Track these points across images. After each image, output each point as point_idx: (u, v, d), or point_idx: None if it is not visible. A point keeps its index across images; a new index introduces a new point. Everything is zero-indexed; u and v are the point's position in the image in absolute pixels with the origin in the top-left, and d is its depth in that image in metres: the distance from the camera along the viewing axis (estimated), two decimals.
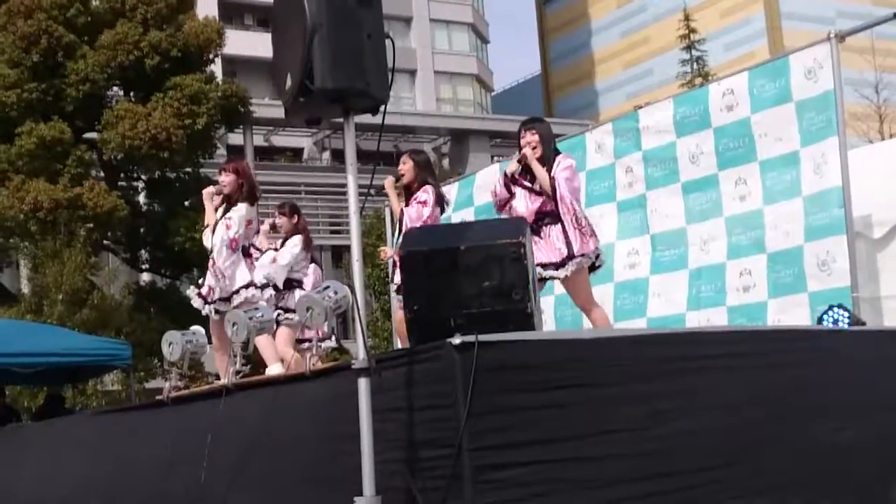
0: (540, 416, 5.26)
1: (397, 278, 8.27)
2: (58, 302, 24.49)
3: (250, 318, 7.18)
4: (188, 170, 29.16)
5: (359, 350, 5.38)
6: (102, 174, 29.29)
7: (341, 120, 5.49)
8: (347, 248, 9.00)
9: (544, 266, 8.11)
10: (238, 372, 7.17)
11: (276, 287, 9.55)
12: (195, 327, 8.55)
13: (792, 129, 9.30)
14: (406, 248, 5.81)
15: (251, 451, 6.48)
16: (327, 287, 6.40)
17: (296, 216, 10.44)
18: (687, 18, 44.46)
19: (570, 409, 5.32)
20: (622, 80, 59.47)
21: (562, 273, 8.16)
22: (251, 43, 45.59)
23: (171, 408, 7.80)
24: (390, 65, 5.44)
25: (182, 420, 7.56)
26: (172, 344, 7.96)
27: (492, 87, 63.59)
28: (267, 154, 47.74)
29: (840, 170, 8.74)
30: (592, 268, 8.35)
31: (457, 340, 5.13)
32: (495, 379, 5.14)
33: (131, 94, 29.28)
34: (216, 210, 8.99)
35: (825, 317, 8.00)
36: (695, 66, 44.36)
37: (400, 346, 8.71)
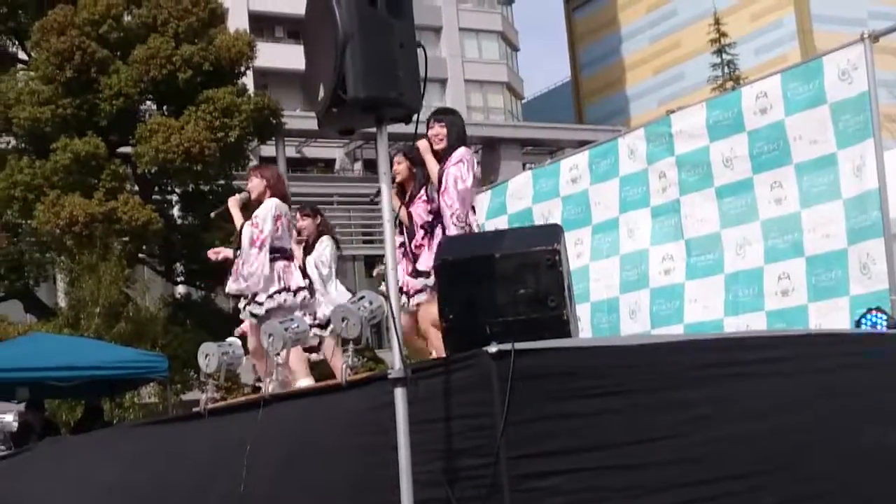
0: (578, 424, 5.23)
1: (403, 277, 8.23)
2: (94, 315, 24.63)
3: (286, 329, 7.17)
4: (221, 182, 29.32)
5: (395, 360, 5.36)
6: (137, 188, 29.47)
7: (373, 130, 5.49)
8: (379, 257, 8.92)
9: (419, 273, 7.95)
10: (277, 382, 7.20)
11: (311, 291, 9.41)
12: (231, 339, 8.57)
13: (827, 131, 9.21)
14: (441, 256, 5.80)
15: (290, 462, 6.47)
16: (362, 297, 6.39)
17: (318, 216, 10.23)
18: (717, 22, 44.30)
19: (608, 417, 5.28)
20: (653, 86, 59.28)
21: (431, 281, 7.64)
22: (282, 55, 45.80)
23: (208, 419, 7.81)
24: (422, 74, 5.44)
25: (219, 431, 7.57)
26: (209, 356, 7.97)
27: (522, 95, 63.56)
28: (299, 165, 47.93)
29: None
30: None
31: (493, 349, 5.12)
32: (532, 387, 5.12)
33: (164, 107, 29.46)
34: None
35: (864, 320, 7.92)
36: (726, 69, 44.12)
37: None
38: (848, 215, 9.03)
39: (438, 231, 7.89)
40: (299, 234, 10.20)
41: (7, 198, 27.38)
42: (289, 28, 50.64)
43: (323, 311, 9.14)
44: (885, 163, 8.71)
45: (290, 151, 45.54)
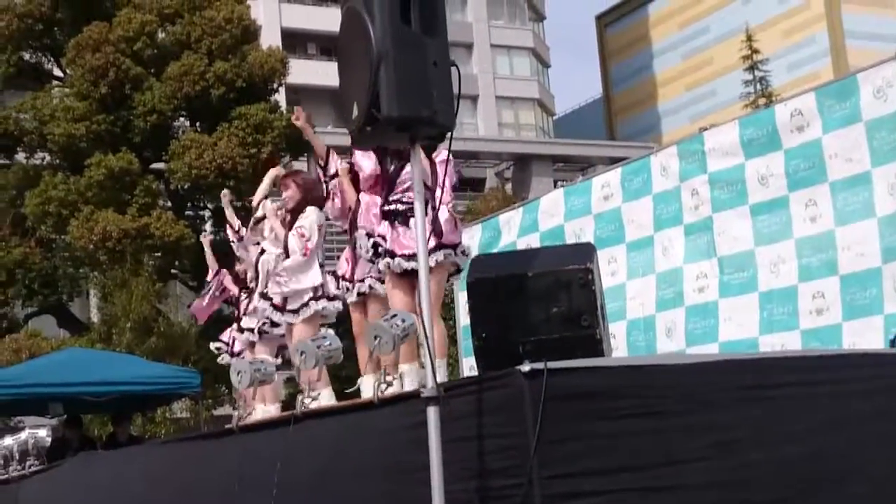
0: (610, 445, 5.19)
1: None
2: (126, 330, 24.78)
3: (318, 347, 7.16)
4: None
5: (427, 378, 5.35)
6: (170, 203, 29.68)
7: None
8: None
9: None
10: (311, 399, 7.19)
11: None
12: (263, 356, 8.59)
13: (862, 149, 9.17)
14: (474, 274, 5.79)
15: (321, 480, 6.46)
16: (395, 315, 6.37)
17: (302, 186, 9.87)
18: (749, 39, 44.06)
19: (640, 438, 5.23)
20: (685, 102, 59.09)
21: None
22: (314, 71, 46.03)
23: (240, 435, 7.82)
24: (455, 92, 5.44)
25: (250, 448, 7.57)
26: (241, 372, 7.98)
27: (553, 111, 63.56)
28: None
29: None
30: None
31: (526, 367, 5.08)
32: (565, 406, 5.08)
33: (197, 124, 29.69)
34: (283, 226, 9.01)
35: None
36: (758, 86, 43.91)
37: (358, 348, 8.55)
38: (882, 234, 8.96)
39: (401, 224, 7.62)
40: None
41: (41, 213, 27.64)
42: (321, 45, 50.88)
43: (292, 286, 8.83)
44: None
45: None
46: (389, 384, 6.48)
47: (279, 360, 9.37)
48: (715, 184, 10.46)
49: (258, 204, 9.55)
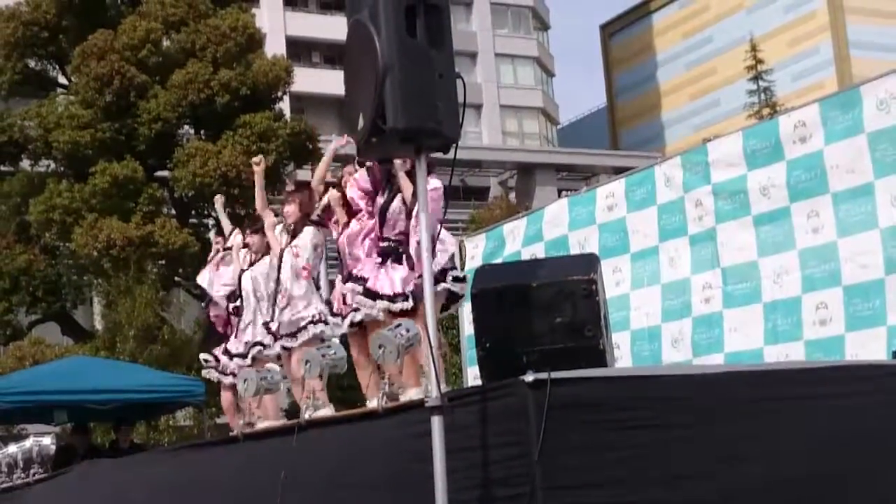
0: (613, 455, 5.21)
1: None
2: (130, 338, 24.80)
3: (323, 356, 7.20)
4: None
5: (432, 388, 5.38)
6: (174, 211, 29.70)
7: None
8: None
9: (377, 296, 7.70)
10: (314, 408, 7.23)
11: None
12: (269, 365, 8.62)
13: (864, 160, 9.19)
14: (479, 285, 5.82)
15: (325, 489, 6.49)
16: (399, 325, 6.40)
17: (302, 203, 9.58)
18: (754, 49, 44.11)
19: (643, 449, 5.25)
20: (689, 112, 59.10)
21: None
22: (319, 80, 46.05)
23: (244, 444, 7.84)
24: (460, 103, 5.47)
25: (255, 456, 7.60)
26: (247, 381, 8.01)
27: (558, 121, 63.60)
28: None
29: None
30: None
31: (529, 377, 5.11)
32: (568, 416, 5.11)
33: (202, 132, 29.73)
34: (281, 241, 9.04)
35: None
36: (762, 96, 43.92)
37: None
38: (885, 245, 8.98)
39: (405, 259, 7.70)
40: (247, 248, 10.06)
41: (46, 221, 27.68)
42: (325, 53, 50.97)
43: (290, 313, 8.92)
44: None
45: (327, 176, 45.63)
46: (394, 394, 6.50)
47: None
48: (718, 195, 10.48)
49: (281, 255, 9.32)
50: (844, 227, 9.35)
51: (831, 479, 5.72)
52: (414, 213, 7.40)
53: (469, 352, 13.02)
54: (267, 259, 9.67)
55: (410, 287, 7.49)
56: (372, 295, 7.63)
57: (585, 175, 53.08)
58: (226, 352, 10.22)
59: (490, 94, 56.57)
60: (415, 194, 7.30)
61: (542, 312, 5.65)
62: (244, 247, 10.15)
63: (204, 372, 10.92)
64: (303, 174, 39.18)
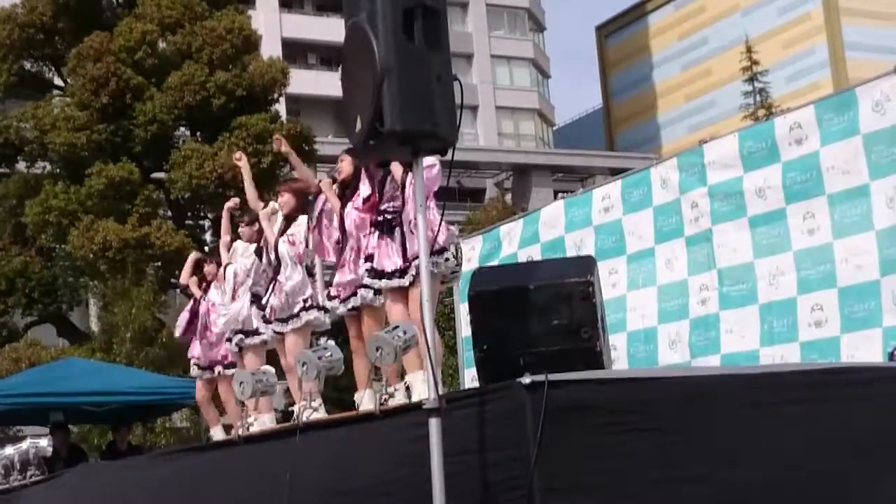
0: (610, 458, 5.22)
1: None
2: (126, 340, 24.79)
3: (319, 358, 7.21)
4: None
5: (429, 390, 5.40)
6: (170, 213, 29.70)
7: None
8: None
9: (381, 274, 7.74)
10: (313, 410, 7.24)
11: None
12: (265, 367, 8.63)
13: (859, 162, 9.20)
14: (476, 287, 5.83)
15: (323, 491, 6.49)
16: (396, 327, 6.42)
17: (257, 224, 9.86)
18: (749, 50, 44.15)
19: (639, 452, 5.25)
20: (684, 113, 59.18)
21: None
22: (315, 81, 46.13)
23: (243, 446, 7.85)
24: (458, 105, 5.49)
25: (253, 459, 7.60)
26: (243, 383, 8.03)
27: (553, 122, 63.67)
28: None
29: None
30: None
31: (526, 380, 5.13)
32: (565, 419, 5.12)
33: (198, 134, 29.74)
34: (276, 230, 9.08)
35: None
36: (758, 97, 43.97)
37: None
38: (881, 246, 9.00)
39: (398, 231, 7.73)
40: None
41: (42, 222, 27.68)
42: (321, 55, 51.01)
43: (279, 297, 8.97)
44: None
45: (323, 177, 45.64)
46: (391, 395, 6.52)
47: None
48: (714, 196, 10.49)
49: (276, 242, 9.43)
50: (840, 228, 9.36)
51: (828, 481, 5.71)
52: (408, 193, 7.51)
53: (466, 354, 13.03)
54: (250, 250, 9.81)
55: (411, 255, 7.53)
56: (378, 274, 7.67)
57: (581, 176, 53.18)
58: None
59: (486, 96, 56.63)
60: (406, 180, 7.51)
61: (539, 314, 5.65)
62: (234, 239, 10.29)
63: (192, 371, 11.12)
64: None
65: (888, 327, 8.81)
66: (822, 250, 9.51)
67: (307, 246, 8.88)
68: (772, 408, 5.65)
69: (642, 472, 5.24)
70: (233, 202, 11.03)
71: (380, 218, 7.82)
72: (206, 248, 30.04)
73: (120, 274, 26.16)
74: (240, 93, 28.66)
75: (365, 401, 7.81)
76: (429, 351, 5.39)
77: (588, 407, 5.24)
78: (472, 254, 13.31)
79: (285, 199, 9.12)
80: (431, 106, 5.33)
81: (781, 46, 52.92)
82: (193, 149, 28.11)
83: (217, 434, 10.97)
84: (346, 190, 8.39)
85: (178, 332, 11.29)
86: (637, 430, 5.27)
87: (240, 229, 10.21)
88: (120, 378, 16.19)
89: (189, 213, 30.59)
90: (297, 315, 8.83)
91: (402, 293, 7.57)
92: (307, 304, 8.84)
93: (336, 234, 8.34)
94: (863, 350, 8.94)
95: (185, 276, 11.24)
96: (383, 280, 7.65)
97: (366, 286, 7.90)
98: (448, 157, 5.63)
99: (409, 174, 7.39)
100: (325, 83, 45.45)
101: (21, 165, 30.20)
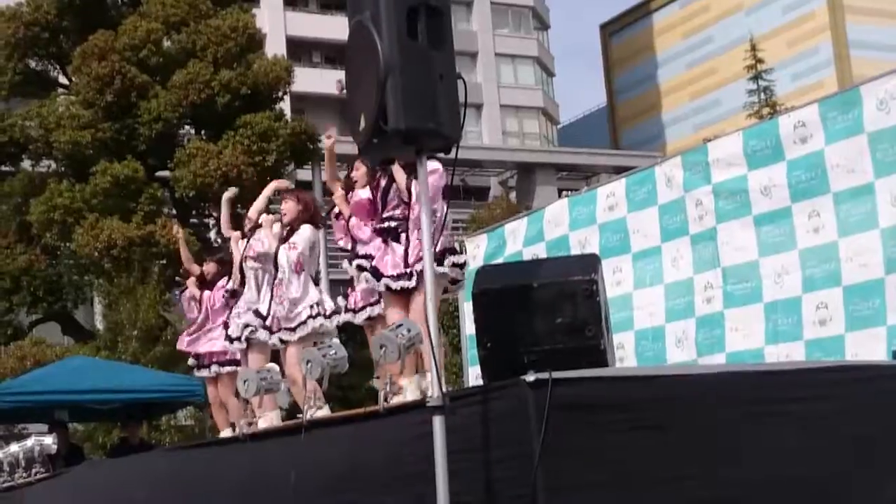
0: (614, 456, 5.22)
1: None
2: (132, 338, 24.80)
3: (324, 356, 7.21)
4: None
5: (433, 388, 5.40)
6: (174, 211, 29.72)
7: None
8: None
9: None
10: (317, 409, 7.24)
11: None
12: (270, 364, 8.63)
13: (864, 160, 9.20)
14: (480, 285, 5.83)
15: (327, 489, 6.50)
16: (400, 325, 6.42)
17: (301, 202, 9.56)
18: (754, 48, 44.06)
19: (644, 449, 5.25)
20: (689, 112, 59.09)
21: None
22: (319, 80, 46.06)
23: (247, 444, 7.86)
24: (461, 104, 5.49)
25: (258, 457, 7.61)
26: (247, 381, 8.03)
27: (558, 120, 63.59)
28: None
29: None
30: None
31: (530, 377, 5.13)
32: (570, 416, 5.12)
33: (202, 132, 29.75)
34: (278, 236, 9.08)
35: None
36: (762, 96, 43.88)
37: None
38: (885, 244, 9.00)
39: (403, 238, 7.73)
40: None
41: (47, 221, 27.70)
42: (326, 53, 50.98)
43: (281, 305, 8.96)
44: None
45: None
46: (395, 393, 6.52)
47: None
48: (719, 194, 10.49)
49: (257, 216, 9.61)
50: (845, 226, 9.36)
51: (832, 480, 5.71)
52: (413, 199, 7.50)
53: (470, 351, 13.04)
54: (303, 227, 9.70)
55: (412, 260, 7.52)
56: (378, 275, 7.67)
57: (586, 175, 53.08)
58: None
59: (490, 94, 56.56)
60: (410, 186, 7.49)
61: (544, 312, 5.66)
62: (242, 237, 10.24)
63: (195, 371, 11.12)
64: (303, 174, 39.33)
65: (892, 325, 8.82)
66: (827, 249, 9.51)
67: (310, 254, 8.89)
68: (775, 406, 5.65)
69: (646, 469, 5.24)
70: (231, 192, 11.05)
71: (383, 226, 7.83)
72: (214, 246, 30.13)
73: (125, 272, 26.18)
74: (244, 91, 28.68)
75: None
76: (433, 350, 5.39)
77: (592, 405, 5.24)
78: (477, 252, 13.32)
79: (289, 206, 9.08)
80: (435, 104, 5.34)
81: (786, 45, 52.83)
82: (198, 147, 28.14)
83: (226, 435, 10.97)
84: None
85: (194, 314, 11.11)
86: (641, 428, 5.27)
87: (284, 207, 9.61)
88: (125, 376, 16.24)
89: (194, 212, 30.62)
90: (304, 323, 8.83)
91: (402, 299, 7.57)
92: (313, 312, 8.83)
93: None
94: (867, 348, 8.94)
95: (188, 259, 11.33)
96: (383, 280, 7.64)
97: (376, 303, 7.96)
98: (452, 155, 5.63)
99: (414, 181, 7.38)
100: (330, 82, 45.25)
101: (26, 164, 30.23)
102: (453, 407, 5.33)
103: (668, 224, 11.00)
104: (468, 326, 12.81)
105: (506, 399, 5.27)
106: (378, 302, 8.14)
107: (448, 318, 27.91)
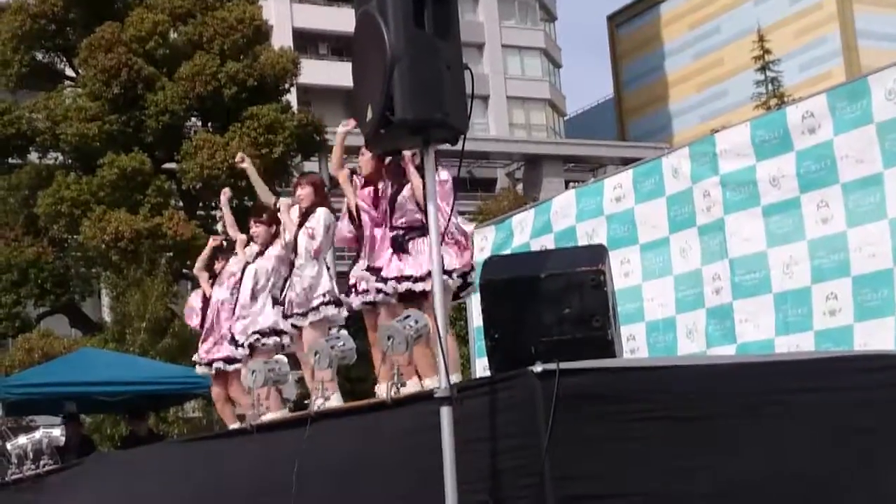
0: (621, 447, 5.21)
1: None
2: (140, 330, 24.83)
3: (332, 347, 7.20)
4: None
5: (441, 379, 5.39)
6: (181, 204, 29.76)
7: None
8: None
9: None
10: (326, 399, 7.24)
11: None
12: (278, 356, 8.63)
13: (873, 150, 9.18)
14: (487, 276, 5.82)
15: (336, 479, 6.50)
16: (408, 316, 6.40)
17: (274, 225, 9.79)
18: (761, 39, 43.96)
19: (652, 440, 5.24)
20: (696, 103, 59.03)
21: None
22: (326, 72, 46.08)
23: (256, 436, 7.85)
24: (468, 94, 5.48)
25: (267, 448, 7.61)
26: (255, 372, 8.02)
27: (564, 112, 63.55)
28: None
29: None
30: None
31: (538, 368, 5.12)
32: (577, 407, 5.11)
33: (209, 124, 29.78)
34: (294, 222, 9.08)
35: None
36: (770, 86, 43.79)
37: None
38: (894, 234, 8.97)
39: (412, 246, 7.74)
40: (252, 241, 10.14)
41: (54, 213, 27.74)
42: (332, 45, 50.95)
43: (296, 290, 8.94)
44: None
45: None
46: (403, 384, 6.51)
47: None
48: (726, 185, 10.47)
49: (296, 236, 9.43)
50: (854, 217, 9.34)
51: (842, 471, 5.70)
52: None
53: (478, 343, 13.04)
54: (270, 252, 9.76)
55: (423, 271, 7.52)
56: (384, 280, 7.72)
57: (592, 166, 53.09)
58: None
59: (497, 86, 56.53)
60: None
61: (551, 303, 5.64)
62: (249, 240, 10.22)
63: (197, 369, 11.12)
64: (310, 166, 39.32)
65: None
66: (836, 239, 9.49)
67: (324, 239, 8.87)
68: (784, 396, 5.63)
69: (654, 460, 5.23)
70: (226, 194, 11.06)
71: (393, 234, 7.82)
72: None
73: (132, 264, 26.22)
74: (251, 83, 28.69)
75: (380, 394, 7.81)
76: (440, 341, 5.38)
77: (600, 395, 5.24)
78: (485, 243, 13.31)
79: (306, 192, 9.03)
80: (442, 95, 5.32)
81: (793, 35, 52.72)
82: (205, 139, 28.17)
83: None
84: (367, 187, 8.35)
85: (193, 322, 11.19)
86: (648, 419, 5.26)
87: (253, 230, 10.00)
88: (133, 368, 16.29)
89: (201, 204, 30.65)
90: (317, 308, 8.82)
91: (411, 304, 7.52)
92: (326, 299, 8.82)
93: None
94: (876, 338, 8.92)
95: (200, 267, 11.21)
96: (389, 283, 7.68)
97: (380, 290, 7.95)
98: (459, 146, 5.62)
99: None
100: (337, 73, 45.38)
101: (33, 156, 30.27)
102: (461, 398, 5.32)
103: (676, 215, 10.98)
104: (475, 318, 12.80)
105: (513, 390, 5.26)
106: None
107: (455, 310, 27.95)
